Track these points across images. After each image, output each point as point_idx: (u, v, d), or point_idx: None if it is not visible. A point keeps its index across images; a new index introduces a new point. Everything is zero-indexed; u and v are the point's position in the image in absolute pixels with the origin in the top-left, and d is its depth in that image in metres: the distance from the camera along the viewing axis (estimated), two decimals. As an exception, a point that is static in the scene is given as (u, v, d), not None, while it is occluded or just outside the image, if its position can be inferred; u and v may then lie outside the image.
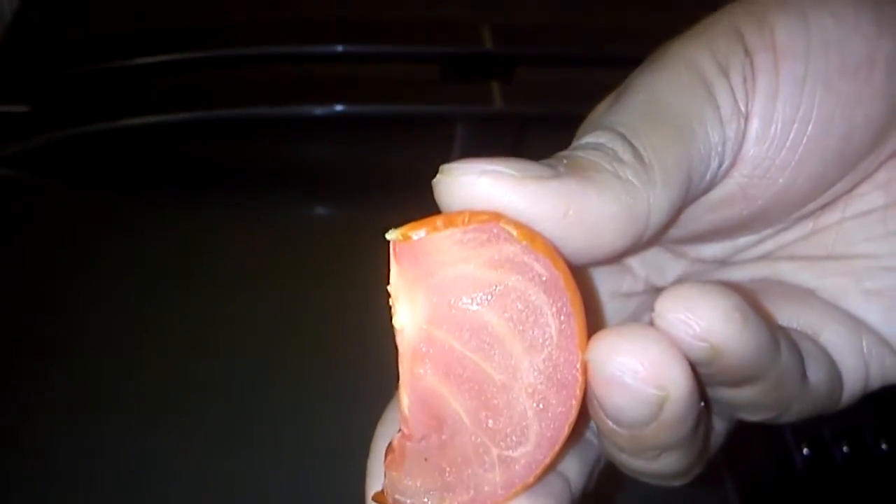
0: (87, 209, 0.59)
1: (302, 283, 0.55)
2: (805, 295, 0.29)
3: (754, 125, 0.26)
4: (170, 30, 0.65)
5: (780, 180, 0.27)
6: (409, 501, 0.24)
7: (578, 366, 0.23)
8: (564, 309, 0.23)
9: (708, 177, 0.26)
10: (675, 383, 0.22)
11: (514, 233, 0.22)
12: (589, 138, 0.25)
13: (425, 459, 0.24)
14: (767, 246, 0.30)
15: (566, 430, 0.23)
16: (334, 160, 0.65)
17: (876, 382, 0.29)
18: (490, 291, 0.23)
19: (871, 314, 0.29)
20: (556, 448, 0.23)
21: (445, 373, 0.23)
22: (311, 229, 0.60)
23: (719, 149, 0.26)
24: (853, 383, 0.28)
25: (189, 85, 0.63)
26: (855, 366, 0.28)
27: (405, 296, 0.23)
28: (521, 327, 0.23)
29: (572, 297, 0.23)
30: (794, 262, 0.30)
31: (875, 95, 0.26)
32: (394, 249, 0.23)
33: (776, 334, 0.24)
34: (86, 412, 0.46)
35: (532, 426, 0.23)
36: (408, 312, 0.23)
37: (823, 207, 0.29)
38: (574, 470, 0.28)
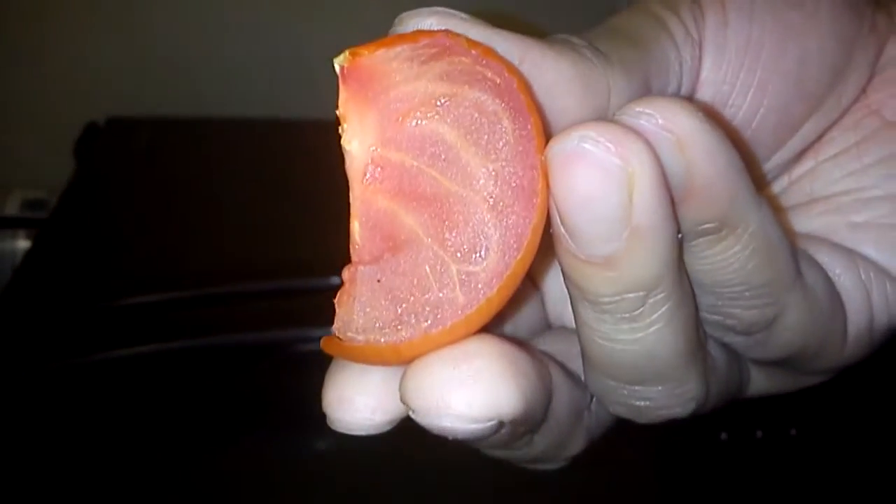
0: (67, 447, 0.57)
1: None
2: (791, 233, 0.28)
3: (708, 52, 0.27)
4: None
5: (744, 107, 0.27)
6: (361, 338, 0.21)
7: (538, 167, 0.21)
8: (520, 112, 0.22)
9: (668, 93, 0.26)
10: (640, 156, 0.20)
11: (465, 44, 0.22)
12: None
13: (378, 281, 0.22)
14: None
15: (529, 237, 0.21)
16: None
17: (881, 318, 0.27)
18: (442, 103, 0.22)
19: (863, 245, 0.27)
20: (520, 256, 0.21)
21: (398, 192, 0.22)
22: (308, 466, 0.58)
23: (676, 68, 0.26)
24: (856, 313, 0.26)
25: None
26: (854, 288, 0.26)
27: (354, 118, 0.22)
28: (476, 135, 0.22)
29: (527, 100, 0.22)
30: (783, 213, 0.29)
31: (823, 27, 0.27)
32: (341, 72, 0.22)
33: (748, 175, 0.23)
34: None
35: (492, 236, 0.21)
36: (357, 133, 0.22)
37: (797, 158, 0.29)
38: (559, 382, 0.25)
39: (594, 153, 0.20)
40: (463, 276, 0.21)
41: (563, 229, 0.21)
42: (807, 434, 0.50)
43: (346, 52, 0.22)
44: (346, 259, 0.23)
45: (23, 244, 0.75)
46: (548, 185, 0.21)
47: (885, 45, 0.28)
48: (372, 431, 0.23)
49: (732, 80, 0.27)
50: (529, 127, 0.22)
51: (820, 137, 0.28)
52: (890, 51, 0.28)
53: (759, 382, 0.29)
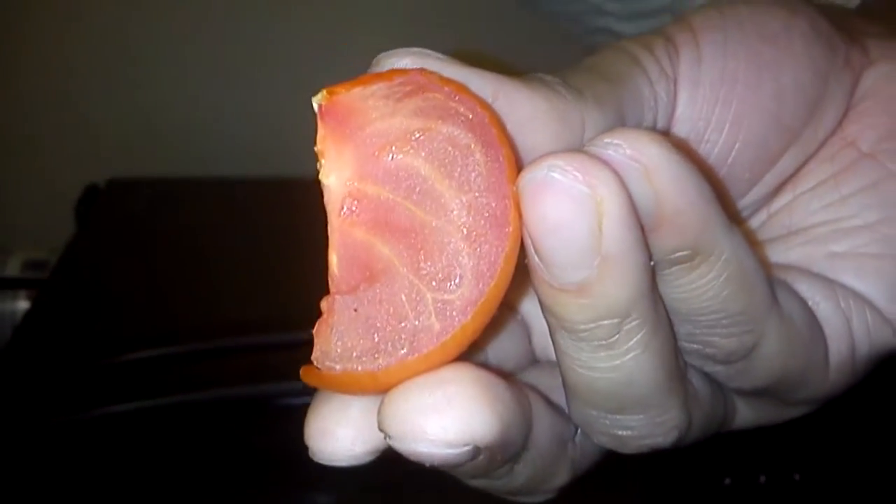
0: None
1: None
2: (769, 266, 0.28)
3: (683, 88, 0.27)
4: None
5: (720, 142, 0.27)
6: (338, 367, 0.22)
7: (510, 197, 0.22)
8: (492, 144, 0.22)
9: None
10: (608, 184, 0.21)
11: (439, 81, 0.23)
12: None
13: (355, 311, 0.22)
14: None
15: (502, 265, 0.22)
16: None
17: (863, 346, 0.27)
18: (416, 138, 0.23)
19: (843, 274, 0.28)
20: (493, 283, 0.22)
21: (375, 224, 0.23)
22: None
23: (651, 103, 0.27)
24: (837, 340, 0.27)
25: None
26: (833, 316, 0.27)
27: (332, 153, 0.23)
28: (449, 168, 0.22)
29: (499, 133, 0.22)
30: (759, 246, 0.29)
31: (797, 61, 0.28)
32: (319, 110, 0.23)
33: (720, 204, 0.23)
34: None
35: (467, 265, 0.22)
36: (334, 168, 0.23)
37: (775, 192, 0.29)
38: (541, 411, 0.25)
39: (562, 182, 0.21)
40: (438, 304, 0.22)
41: (536, 259, 0.22)
42: (811, 479, 0.50)
43: (324, 91, 0.23)
44: (325, 291, 0.23)
45: (23, 305, 0.75)
46: (520, 215, 0.22)
47: (859, 78, 0.29)
48: (353, 462, 0.23)
49: (708, 116, 0.27)
50: (501, 159, 0.22)
51: (797, 171, 0.29)
52: (864, 84, 0.29)
53: (745, 414, 0.29)
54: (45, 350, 0.67)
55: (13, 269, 0.77)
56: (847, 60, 0.29)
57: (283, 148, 0.86)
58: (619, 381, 0.23)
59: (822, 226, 0.28)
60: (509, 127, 0.24)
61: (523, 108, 0.24)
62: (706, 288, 0.23)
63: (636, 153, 0.21)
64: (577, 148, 0.23)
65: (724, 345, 0.25)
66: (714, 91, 0.27)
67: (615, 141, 0.22)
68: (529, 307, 0.29)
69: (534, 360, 0.29)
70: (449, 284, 0.22)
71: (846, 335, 0.27)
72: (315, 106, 0.23)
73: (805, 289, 0.27)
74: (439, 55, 0.24)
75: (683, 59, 0.27)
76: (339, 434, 0.23)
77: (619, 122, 0.25)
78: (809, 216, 0.29)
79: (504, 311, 0.26)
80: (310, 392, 0.62)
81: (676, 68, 0.27)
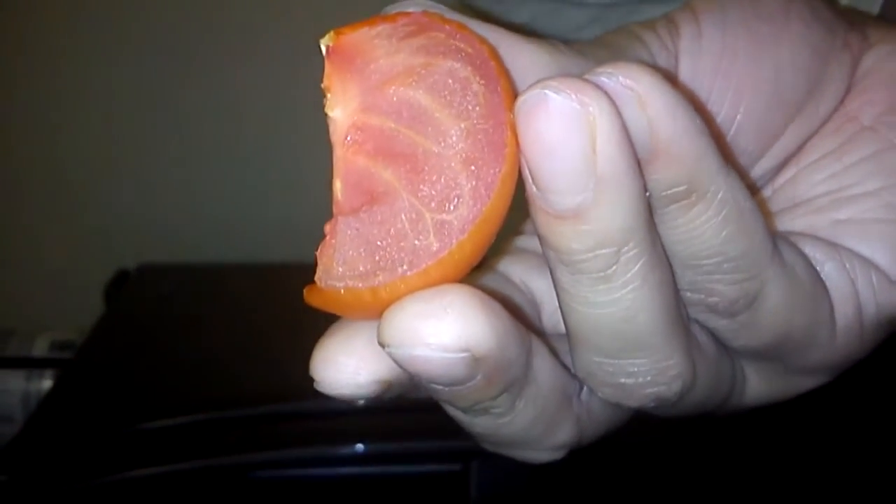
0: None
1: None
2: (774, 222, 0.28)
3: (684, 60, 0.28)
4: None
5: (722, 113, 0.28)
6: (340, 285, 0.22)
7: (507, 125, 0.23)
8: (490, 76, 0.23)
9: None
10: (600, 103, 0.21)
11: (441, 21, 0.24)
12: None
13: (357, 230, 0.22)
14: None
15: (498, 184, 0.22)
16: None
17: (869, 306, 0.27)
18: (418, 73, 0.24)
19: (847, 239, 0.28)
20: (490, 203, 0.22)
21: (377, 152, 0.23)
22: None
23: None
24: (843, 298, 0.27)
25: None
26: (839, 276, 0.27)
27: (338, 88, 0.24)
28: (449, 99, 0.23)
29: (497, 66, 0.23)
30: (770, 216, 0.30)
31: (795, 39, 0.29)
32: (326, 50, 0.24)
33: (714, 142, 0.24)
34: None
35: (464, 185, 0.22)
36: (339, 101, 0.24)
37: (779, 168, 0.30)
38: (542, 355, 0.25)
39: (555, 100, 0.21)
40: (437, 224, 0.22)
41: (533, 187, 0.22)
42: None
43: (331, 32, 0.24)
44: (329, 216, 0.23)
45: (48, 384, 0.76)
46: (517, 140, 0.22)
47: (859, 60, 0.30)
48: (357, 391, 0.23)
49: (709, 88, 0.28)
50: (499, 89, 0.23)
51: (800, 147, 0.29)
52: (865, 64, 0.30)
53: (757, 385, 0.28)
54: (64, 422, 0.67)
55: (41, 349, 0.78)
56: (846, 42, 0.30)
57: (310, 233, 0.87)
58: (618, 317, 0.23)
59: (826, 195, 0.29)
60: (516, 74, 0.24)
61: (524, 57, 0.25)
62: (704, 228, 0.23)
63: (630, 81, 0.22)
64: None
65: (726, 292, 0.24)
66: (714, 63, 0.28)
67: (609, 70, 0.22)
68: (540, 284, 0.29)
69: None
70: (447, 205, 0.22)
71: (852, 296, 0.27)
72: (322, 47, 0.24)
73: (808, 250, 0.27)
74: (445, 8, 0.25)
75: (684, 34, 0.28)
76: (344, 362, 0.23)
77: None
78: (813, 187, 0.29)
79: (504, 243, 0.26)
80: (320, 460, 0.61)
81: (677, 43, 0.28)
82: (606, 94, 0.22)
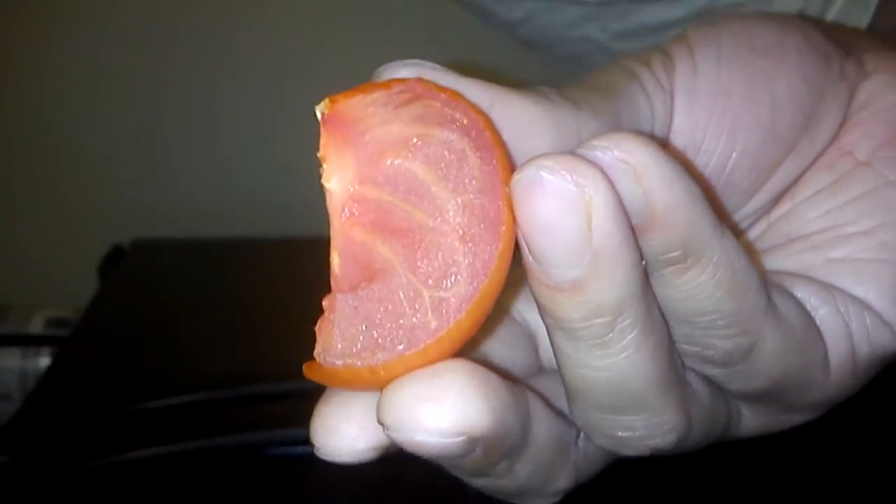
0: None
1: None
2: (768, 272, 0.29)
3: (680, 99, 0.28)
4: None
5: (717, 151, 0.28)
6: (339, 362, 0.22)
7: (503, 198, 0.23)
8: (486, 148, 0.23)
9: None
10: (596, 182, 0.21)
11: (435, 90, 0.24)
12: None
13: (356, 308, 0.23)
14: None
15: (495, 261, 0.22)
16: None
17: (863, 348, 0.27)
18: (414, 144, 0.24)
19: (841, 279, 0.28)
20: (487, 281, 0.22)
21: (375, 225, 0.23)
22: None
23: (647, 115, 0.28)
24: (836, 343, 0.27)
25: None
26: (832, 319, 0.27)
27: (334, 158, 0.24)
28: (445, 171, 0.23)
29: (493, 137, 0.23)
30: (757, 255, 0.30)
31: (791, 72, 0.29)
32: (322, 118, 0.24)
33: (709, 207, 0.24)
34: None
35: (461, 263, 0.23)
36: (336, 172, 0.24)
37: (774, 201, 0.30)
38: (540, 411, 0.25)
39: (551, 181, 0.21)
40: (435, 302, 0.22)
41: (531, 258, 0.22)
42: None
43: (326, 100, 0.24)
44: (327, 289, 0.24)
45: (45, 361, 0.77)
46: (513, 215, 0.22)
47: (855, 89, 0.30)
48: (356, 458, 0.24)
49: (705, 126, 0.28)
50: (495, 162, 0.23)
51: (796, 180, 0.30)
52: (861, 95, 0.30)
53: (751, 420, 0.29)
54: (63, 401, 0.68)
55: (37, 326, 0.78)
56: (842, 72, 0.29)
57: (305, 208, 0.87)
58: (614, 380, 0.24)
59: (821, 233, 0.29)
60: (506, 133, 0.24)
61: (519, 115, 0.25)
62: (699, 289, 0.24)
63: (625, 154, 0.22)
64: (568, 150, 0.23)
65: (722, 346, 0.25)
66: (710, 101, 0.28)
67: (604, 143, 0.22)
68: (536, 317, 0.29)
69: (540, 370, 0.30)
70: (445, 282, 0.22)
71: (845, 338, 0.27)
72: (318, 114, 0.24)
73: (803, 294, 0.27)
74: (436, 66, 0.25)
75: (679, 70, 0.28)
76: (343, 430, 0.24)
77: (615, 130, 0.26)
78: (808, 224, 0.29)
79: (500, 312, 0.26)
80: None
81: (672, 80, 0.28)
82: (601, 170, 0.22)
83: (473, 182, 0.23)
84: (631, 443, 0.25)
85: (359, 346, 0.23)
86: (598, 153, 0.22)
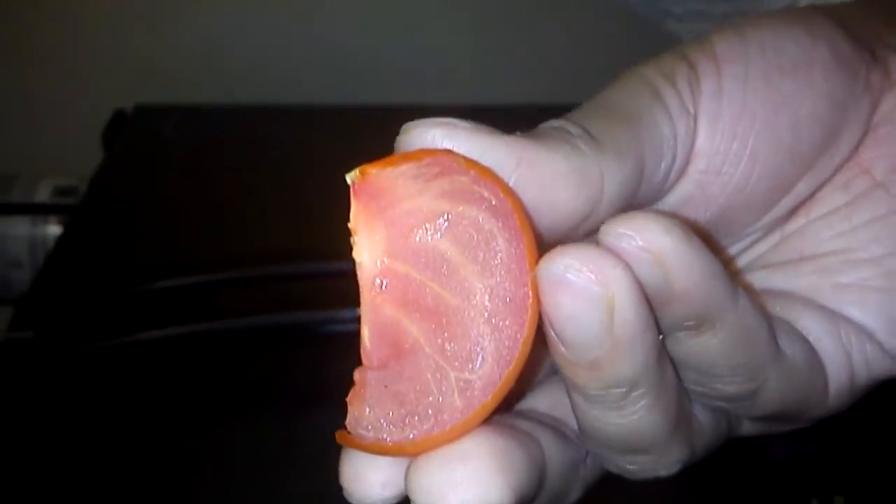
0: (96, 428, 0.59)
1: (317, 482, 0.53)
2: (776, 294, 0.30)
3: (703, 123, 0.28)
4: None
5: (736, 175, 0.28)
6: (371, 434, 0.24)
7: (529, 284, 0.23)
8: (514, 232, 0.24)
9: (662, 168, 0.28)
10: (620, 282, 0.23)
11: (465, 164, 0.24)
12: (542, 125, 0.27)
13: (385, 387, 0.24)
14: (741, 262, 0.32)
15: (520, 348, 0.24)
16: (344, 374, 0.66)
17: (862, 375, 0.29)
18: (443, 221, 0.24)
19: (847, 307, 0.29)
20: (512, 368, 0.24)
21: (403, 301, 0.24)
22: (324, 438, 0.59)
23: (671, 142, 0.28)
24: (837, 373, 0.28)
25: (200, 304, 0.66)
26: (835, 352, 0.28)
27: (364, 230, 0.25)
28: (473, 252, 0.24)
29: (521, 220, 0.24)
30: (765, 271, 0.31)
31: (816, 93, 0.29)
32: (353, 187, 0.24)
33: (728, 274, 0.25)
34: None
35: (487, 347, 0.24)
36: (367, 246, 0.25)
37: (789, 215, 0.30)
38: (552, 448, 0.27)
39: (576, 282, 0.23)
40: (461, 383, 0.24)
41: (554, 335, 0.24)
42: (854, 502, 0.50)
43: (357, 170, 0.24)
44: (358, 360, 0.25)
45: (54, 230, 0.78)
46: (538, 299, 0.23)
47: (879, 102, 0.30)
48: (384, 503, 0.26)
49: (725, 150, 0.28)
50: (522, 246, 0.24)
51: (812, 195, 0.30)
52: (884, 108, 0.30)
53: (749, 428, 0.31)
54: (75, 278, 0.69)
55: (43, 194, 0.79)
56: (867, 85, 0.29)
57: (311, 75, 0.86)
58: (626, 433, 0.26)
59: (832, 255, 0.30)
60: (531, 190, 0.25)
61: (544, 170, 0.25)
62: (712, 348, 0.25)
63: (647, 244, 0.23)
64: (591, 241, 0.24)
65: (729, 390, 0.27)
66: (732, 126, 0.28)
67: (627, 231, 0.23)
68: None
69: (553, 370, 0.31)
70: (471, 365, 0.24)
71: (846, 367, 0.29)
72: (349, 181, 0.24)
73: (809, 324, 0.29)
74: (465, 124, 0.25)
75: (705, 92, 0.28)
76: (371, 479, 0.26)
77: (638, 168, 0.27)
78: (821, 244, 0.30)
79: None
80: (329, 321, 0.62)
81: (697, 103, 0.28)
82: (624, 265, 0.23)
83: (500, 265, 0.24)
84: (638, 473, 0.28)
85: (387, 421, 0.24)
86: (624, 245, 0.23)
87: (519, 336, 0.24)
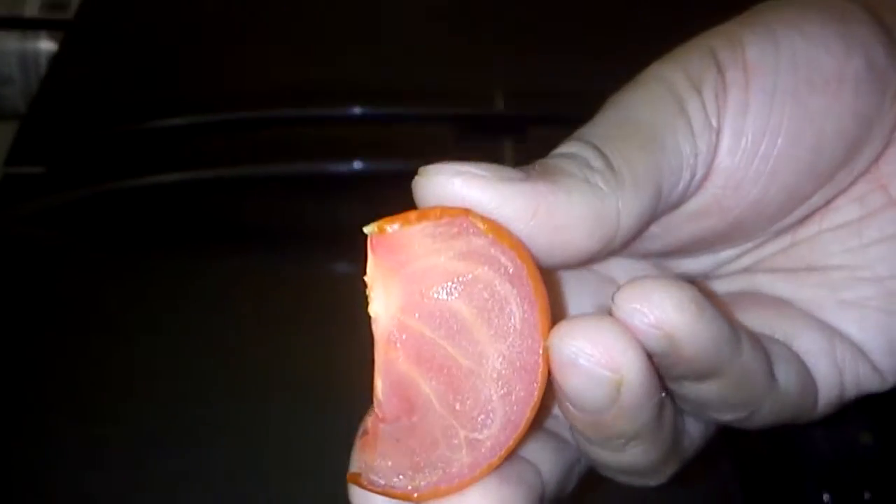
0: (104, 268, 0.59)
1: (323, 336, 0.55)
2: (780, 304, 0.30)
3: (726, 139, 0.27)
4: (187, 95, 0.67)
5: (754, 192, 0.28)
6: (381, 482, 0.25)
7: (540, 352, 0.24)
8: (528, 298, 0.24)
9: (680, 187, 0.27)
10: (629, 367, 0.23)
11: (482, 226, 0.24)
12: (562, 149, 0.27)
13: (397, 440, 0.25)
14: (748, 259, 0.32)
15: (528, 414, 0.24)
16: (353, 218, 0.66)
17: (851, 391, 0.30)
18: (459, 282, 0.24)
19: (847, 324, 0.30)
20: (519, 431, 0.24)
21: (417, 359, 0.25)
22: (333, 285, 0.60)
23: (691, 161, 0.27)
24: (828, 390, 0.29)
25: (209, 146, 0.65)
26: (828, 372, 0.29)
27: (380, 285, 0.25)
28: (487, 316, 0.24)
29: (536, 287, 0.24)
30: (772, 275, 0.31)
31: (844, 111, 0.28)
32: (371, 242, 0.24)
33: (737, 330, 0.25)
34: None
35: (497, 410, 0.24)
36: (382, 301, 0.25)
37: (802, 221, 0.30)
38: (548, 462, 0.28)
39: (587, 368, 0.23)
40: (470, 442, 0.25)
41: (561, 395, 0.25)
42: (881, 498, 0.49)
43: (375, 225, 0.24)
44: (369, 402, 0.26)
45: (46, 45, 0.75)
46: (548, 366, 0.24)
47: None
48: None
49: (746, 168, 0.28)
50: (535, 313, 0.24)
51: (828, 203, 0.30)
52: None
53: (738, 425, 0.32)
54: (76, 104, 0.67)
55: (32, 9, 0.76)
56: (895, 95, 0.28)
57: None
58: (623, 466, 0.27)
59: (838, 270, 0.30)
60: (546, 234, 0.25)
61: (561, 215, 0.25)
62: (712, 392, 0.26)
63: (659, 322, 0.23)
64: (613, 241, 0.25)
65: (724, 419, 0.28)
66: (755, 144, 0.27)
67: (642, 309, 0.23)
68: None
69: None
70: (480, 426, 0.25)
71: (837, 386, 0.30)
72: (367, 233, 0.24)
73: (806, 344, 0.29)
74: (482, 172, 0.24)
75: (730, 105, 0.27)
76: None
77: (656, 199, 0.26)
78: (828, 257, 0.30)
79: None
80: (335, 165, 0.61)
81: (723, 117, 0.27)
82: (634, 349, 0.23)
83: (513, 331, 0.24)
84: (633, 482, 0.29)
85: (397, 470, 0.25)
86: (636, 322, 0.23)
87: (529, 401, 0.24)
